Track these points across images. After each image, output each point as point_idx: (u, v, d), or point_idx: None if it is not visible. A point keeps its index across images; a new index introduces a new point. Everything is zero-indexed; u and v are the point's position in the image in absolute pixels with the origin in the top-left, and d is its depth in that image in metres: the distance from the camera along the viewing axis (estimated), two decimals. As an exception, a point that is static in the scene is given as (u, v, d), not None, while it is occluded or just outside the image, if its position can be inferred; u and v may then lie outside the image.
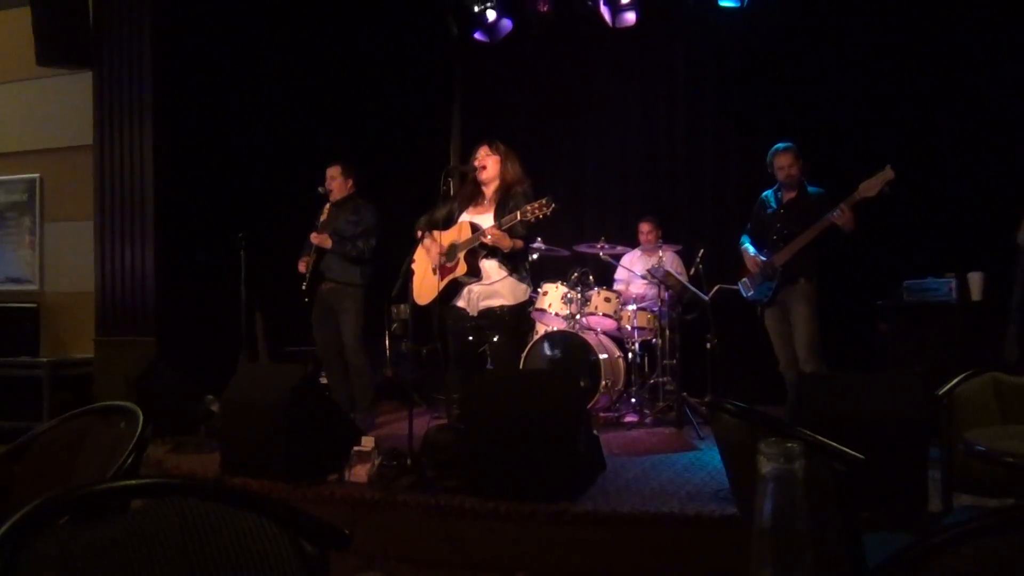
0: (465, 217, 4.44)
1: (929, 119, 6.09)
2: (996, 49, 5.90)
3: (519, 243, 4.36)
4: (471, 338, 4.48)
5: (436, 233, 4.43)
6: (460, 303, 4.44)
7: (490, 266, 4.38)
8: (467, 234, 4.31)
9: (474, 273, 4.32)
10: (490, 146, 4.51)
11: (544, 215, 4.03)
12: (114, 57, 6.11)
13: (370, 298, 5.65)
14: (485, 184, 4.52)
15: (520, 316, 4.65)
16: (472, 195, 4.55)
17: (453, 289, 4.44)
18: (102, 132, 6.15)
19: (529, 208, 4.03)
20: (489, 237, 4.18)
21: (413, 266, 4.69)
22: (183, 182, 6.12)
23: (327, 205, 5.68)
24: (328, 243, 5.45)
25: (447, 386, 4.93)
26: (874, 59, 6.37)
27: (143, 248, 6.00)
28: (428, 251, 4.53)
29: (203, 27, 6.26)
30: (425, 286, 4.54)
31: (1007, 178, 5.62)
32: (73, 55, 6.21)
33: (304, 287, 5.60)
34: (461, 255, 4.31)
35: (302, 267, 5.62)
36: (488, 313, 4.39)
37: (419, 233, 4.60)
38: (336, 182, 5.62)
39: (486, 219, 4.34)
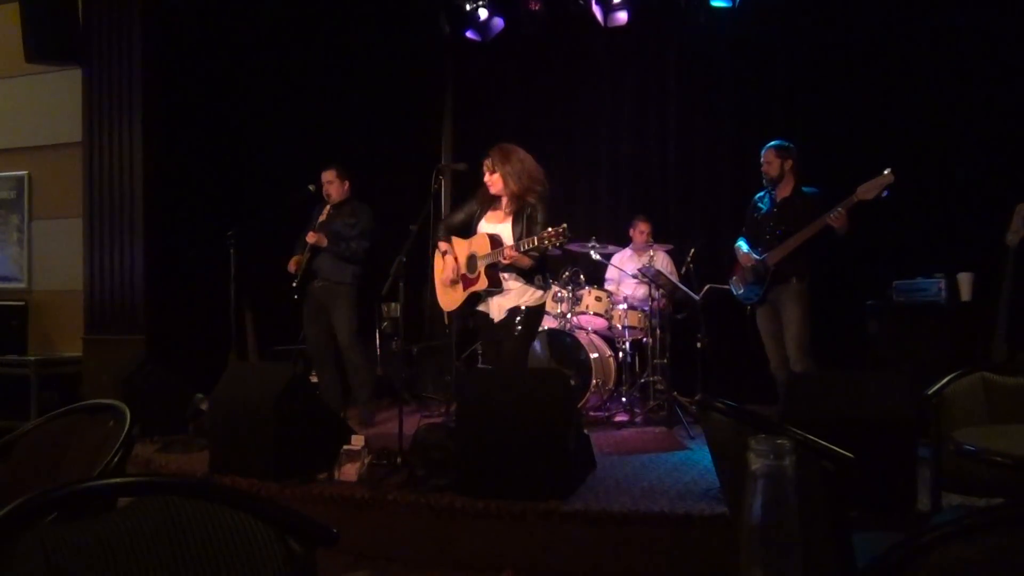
0: (484, 226, 4.38)
1: (919, 120, 6.11)
2: (985, 52, 5.92)
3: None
4: (495, 339, 4.43)
5: (454, 240, 4.42)
6: (482, 308, 4.42)
7: (509, 276, 4.33)
8: (486, 246, 4.26)
9: (495, 285, 4.27)
10: (488, 161, 4.35)
11: (562, 243, 4.00)
12: (104, 54, 6.06)
13: (361, 298, 5.66)
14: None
15: (536, 319, 4.57)
16: (491, 200, 4.47)
17: (475, 298, 4.41)
18: (91, 129, 6.11)
19: (546, 235, 3.97)
20: (507, 258, 4.14)
21: (436, 268, 4.62)
22: (172, 180, 6.09)
23: (327, 207, 5.70)
24: (324, 242, 5.51)
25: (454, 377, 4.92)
26: (865, 60, 6.39)
27: (132, 246, 5.97)
28: (445, 259, 4.48)
29: (193, 24, 6.23)
30: (448, 295, 4.52)
31: (997, 179, 5.64)
32: (62, 52, 6.17)
33: (294, 285, 5.61)
34: (482, 269, 4.27)
35: (292, 267, 5.62)
36: (509, 313, 4.32)
37: (442, 245, 4.51)
38: (334, 185, 5.68)
39: (503, 229, 4.29)
